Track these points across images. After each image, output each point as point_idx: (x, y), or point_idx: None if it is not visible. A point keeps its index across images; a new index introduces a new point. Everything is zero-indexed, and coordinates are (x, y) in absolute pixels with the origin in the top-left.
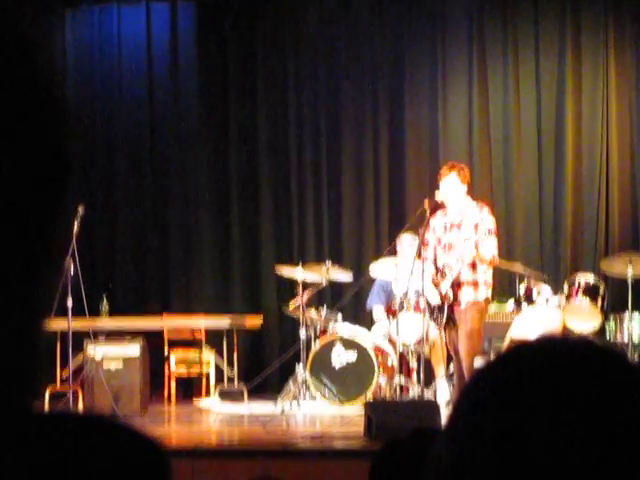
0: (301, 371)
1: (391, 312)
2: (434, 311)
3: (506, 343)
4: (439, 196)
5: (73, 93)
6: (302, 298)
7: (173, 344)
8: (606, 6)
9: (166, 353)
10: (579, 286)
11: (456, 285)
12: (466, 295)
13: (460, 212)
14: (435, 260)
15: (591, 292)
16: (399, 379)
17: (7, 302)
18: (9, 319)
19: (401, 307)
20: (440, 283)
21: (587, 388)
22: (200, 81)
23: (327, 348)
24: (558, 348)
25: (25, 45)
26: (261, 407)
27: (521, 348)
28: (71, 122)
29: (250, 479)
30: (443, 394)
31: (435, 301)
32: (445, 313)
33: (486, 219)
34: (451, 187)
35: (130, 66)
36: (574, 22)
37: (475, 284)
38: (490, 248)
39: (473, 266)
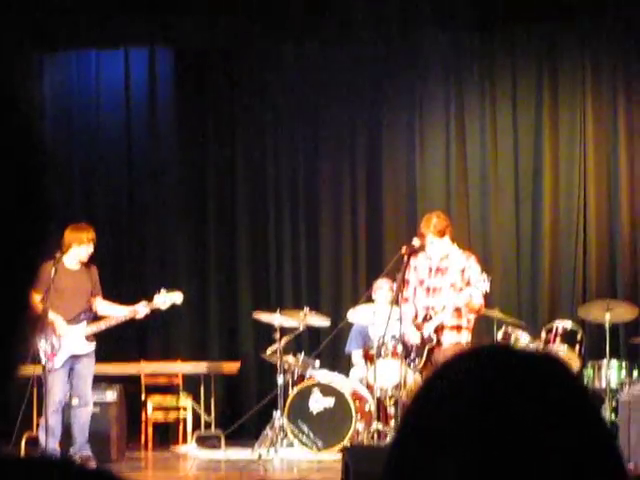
0: (278, 417)
1: (369, 357)
2: (411, 353)
3: None
4: (417, 243)
5: (51, 138)
6: (280, 344)
7: (150, 390)
8: (583, 55)
9: (143, 399)
10: (557, 332)
11: (439, 328)
12: (449, 337)
13: (445, 257)
14: (414, 301)
15: (569, 338)
16: (377, 425)
17: None
18: None
19: (379, 353)
20: (423, 326)
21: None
22: (178, 127)
23: (305, 394)
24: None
25: (5, 94)
26: (238, 453)
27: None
28: (50, 169)
29: None
30: None
31: (415, 341)
32: (424, 356)
33: (473, 267)
34: (435, 246)
35: (108, 112)
36: (551, 71)
37: (459, 328)
38: (478, 297)
39: (458, 311)
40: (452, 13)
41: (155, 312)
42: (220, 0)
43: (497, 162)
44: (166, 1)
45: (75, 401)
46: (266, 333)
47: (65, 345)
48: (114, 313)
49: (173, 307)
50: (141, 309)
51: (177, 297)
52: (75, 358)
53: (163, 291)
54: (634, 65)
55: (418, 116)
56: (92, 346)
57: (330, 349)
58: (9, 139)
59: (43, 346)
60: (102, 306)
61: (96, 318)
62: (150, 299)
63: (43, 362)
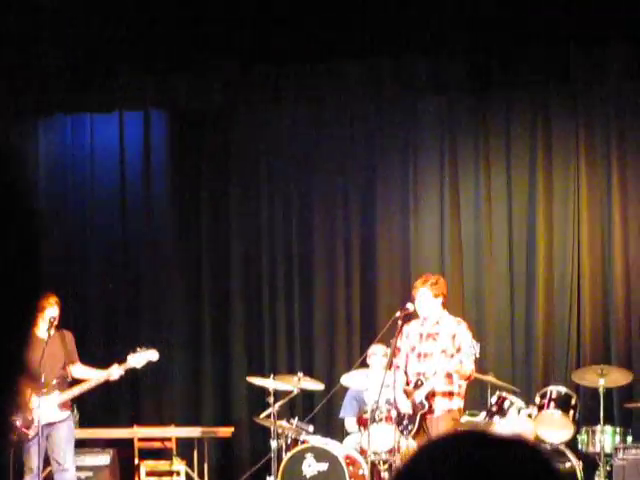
0: None
1: (362, 422)
2: (404, 420)
3: None
4: (411, 307)
5: (45, 203)
6: (273, 408)
7: (144, 454)
8: (577, 116)
9: (136, 463)
10: (551, 397)
11: (430, 395)
12: (440, 404)
13: (436, 323)
14: (406, 368)
15: (563, 403)
16: None
17: None
18: None
19: (372, 418)
20: (414, 392)
21: None
22: (173, 191)
23: (298, 458)
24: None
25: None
26: None
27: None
28: (43, 236)
29: None
30: None
31: (406, 410)
32: (417, 422)
33: (464, 333)
34: (424, 301)
35: (102, 175)
36: (545, 132)
37: (450, 394)
38: (469, 363)
39: (449, 377)
40: (446, 75)
41: (128, 372)
42: (214, 62)
43: (491, 227)
44: (160, 64)
45: (56, 467)
46: (260, 397)
47: (38, 415)
48: (88, 377)
49: (167, 372)
50: (114, 372)
51: (152, 355)
52: (50, 426)
53: (138, 349)
54: (627, 124)
55: (412, 175)
56: (67, 413)
57: (324, 414)
58: (4, 204)
59: (18, 417)
60: (78, 371)
61: (72, 384)
62: (123, 360)
63: (18, 432)
